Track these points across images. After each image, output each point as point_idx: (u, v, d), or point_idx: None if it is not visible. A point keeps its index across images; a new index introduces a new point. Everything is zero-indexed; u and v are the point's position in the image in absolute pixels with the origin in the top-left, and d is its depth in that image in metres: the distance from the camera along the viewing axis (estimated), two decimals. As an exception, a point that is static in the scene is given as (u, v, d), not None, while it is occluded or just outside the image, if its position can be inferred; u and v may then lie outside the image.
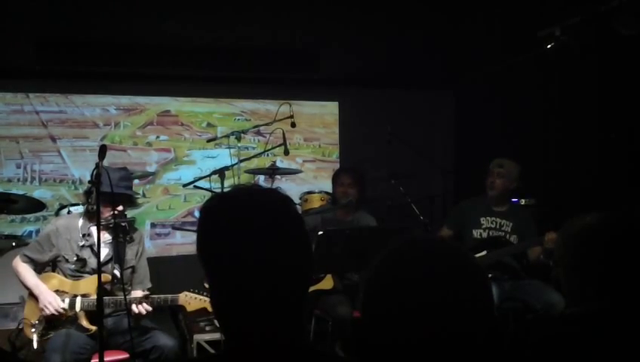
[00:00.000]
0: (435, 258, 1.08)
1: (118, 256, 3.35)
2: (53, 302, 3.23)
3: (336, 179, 4.55)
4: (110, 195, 3.05)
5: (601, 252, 1.61)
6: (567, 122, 5.21)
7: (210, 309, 2.89)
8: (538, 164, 5.53)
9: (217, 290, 1.21)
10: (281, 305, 1.16)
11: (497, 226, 4.34)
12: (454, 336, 1.00)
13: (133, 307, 3.24)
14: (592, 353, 1.47)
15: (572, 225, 1.71)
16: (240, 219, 1.18)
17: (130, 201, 3.56)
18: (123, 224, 3.46)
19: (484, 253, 4.22)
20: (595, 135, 4.92)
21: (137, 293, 3.40)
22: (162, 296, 3.33)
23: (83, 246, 3.39)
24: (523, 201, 5.11)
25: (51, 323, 3.24)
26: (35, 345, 3.20)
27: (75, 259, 3.36)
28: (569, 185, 5.09)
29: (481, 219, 4.37)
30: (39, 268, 3.45)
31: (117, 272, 3.36)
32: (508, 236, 4.31)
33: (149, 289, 3.52)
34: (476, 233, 4.36)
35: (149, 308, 3.27)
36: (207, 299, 3.17)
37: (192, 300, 3.28)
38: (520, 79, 5.67)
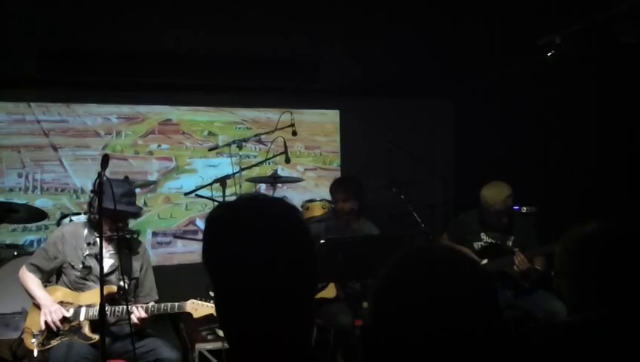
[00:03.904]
0: (440, 262, 1.12)
1: (123, 267, 3.35)
2: (57, 311, 3.23)
3: (331, 193, 4.51)
4: (111, 211, 3.06)
5: (600, 260, 1.62)
6: (567, 129, 5.22)
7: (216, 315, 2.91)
8: (539, 171, 5.55)
9: (223, 299, 1.22)
10: (287, 313, 1.17)
11: (498, 241, 4.34)
12: (458, 335, 1.03)
13: (133, 317, 3.24)
14: (592, 360, 1.48)
15: (571, 233, 1.72)
16: (246, 228, 1.18)
17: (133, 216, 3.58)
18: (127, 236, 3.48)
19: (485, 261, 4.23)
20: (595, 143, 4.93)
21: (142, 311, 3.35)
22: (169, 303, 3.33)
23: (88, 254, 3.40)
24: (524, 209, 5.11)
25: (53, 332, 3.24)
26: (35, 354, 3.20)
27: (80, 266, 3.37)
28: (570, 193, 5.10)
29: (482, 234, 4.37)
30: (45, 276, 3.45)
31: (122, 283, 3.37)
32: (510, 249, 4.30)
33: (156, 302, 3.52)
34: (477, 246, 4.36)
35: (144, 314, 3.27)
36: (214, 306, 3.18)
37: (200, 307, 3.31)
38: (520, 87, 5.69)
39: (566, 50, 4.35)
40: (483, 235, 4.36)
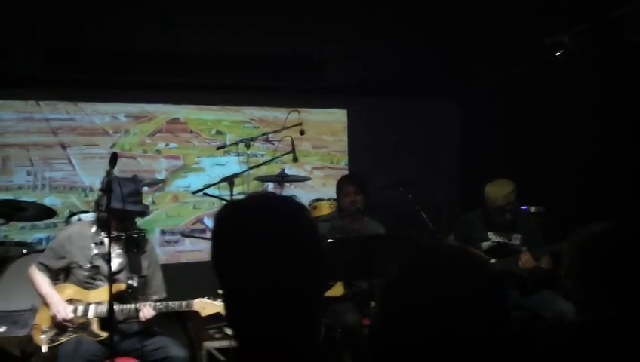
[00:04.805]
0: (449, 262, 1.13)
1: (131, 266, 3.36)
2: (65, 309, 3.25)
3: (340, 188, 4.47)
4: (118, 211, 3.07)
5: (606, 260, 1.62)
6: (573, 129, 5.21)
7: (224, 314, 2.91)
8: (545, 170, 5.53)
9: (230, 298, 1.22)
10: (294, 312, 1.17)
11: (505, 240, 4.33)
12: (466, 335, 1.04)
13: (140, 315, 3.26)
14: (598, 360, 1.48)
15: (578, 235, 1.72)
16: (252, 228, 1.19)
17: (139, 215, 3.59)
18: (135, 235, 3.49)
19: (492, 260, 4.22)
20: (603, 142, 4.91)
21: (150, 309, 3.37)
22: (177, 301, 3.34)
23: (95, 254, 3.42)
24: (532, 209, 5.09)
25: (62, 329, 3.26)
26: (44, 349, 3.22)
27: (88, 266, 3.39)
28: (577, 192, 5.08)
29: (489, 233, 4.36)
30: (54, 275, 3.47)
31: (131, 281, 3.38)
32: (518, 248, 4.29)
33: (164, 299, 3.53)
34: (484, 245, 4.35)
35: (152, 312, 3.29)
36: (222, 304, 3.19)
37: (207, 305, 3.32)
38: (526, 86, 5.67)
39: (574, 50, 4.34)
40: (490, 234, 4.35)
